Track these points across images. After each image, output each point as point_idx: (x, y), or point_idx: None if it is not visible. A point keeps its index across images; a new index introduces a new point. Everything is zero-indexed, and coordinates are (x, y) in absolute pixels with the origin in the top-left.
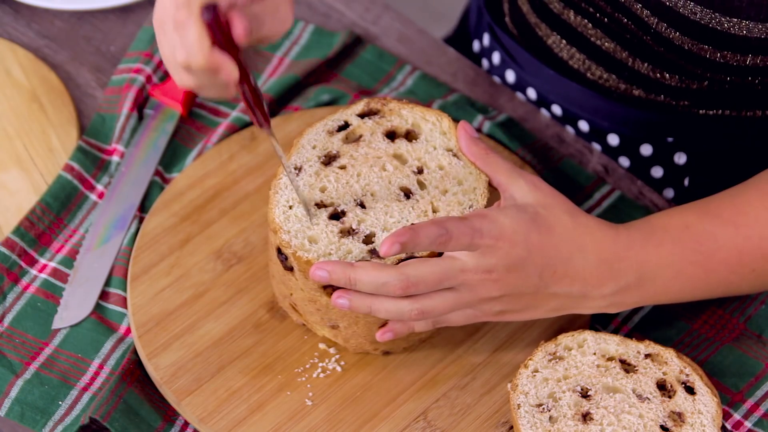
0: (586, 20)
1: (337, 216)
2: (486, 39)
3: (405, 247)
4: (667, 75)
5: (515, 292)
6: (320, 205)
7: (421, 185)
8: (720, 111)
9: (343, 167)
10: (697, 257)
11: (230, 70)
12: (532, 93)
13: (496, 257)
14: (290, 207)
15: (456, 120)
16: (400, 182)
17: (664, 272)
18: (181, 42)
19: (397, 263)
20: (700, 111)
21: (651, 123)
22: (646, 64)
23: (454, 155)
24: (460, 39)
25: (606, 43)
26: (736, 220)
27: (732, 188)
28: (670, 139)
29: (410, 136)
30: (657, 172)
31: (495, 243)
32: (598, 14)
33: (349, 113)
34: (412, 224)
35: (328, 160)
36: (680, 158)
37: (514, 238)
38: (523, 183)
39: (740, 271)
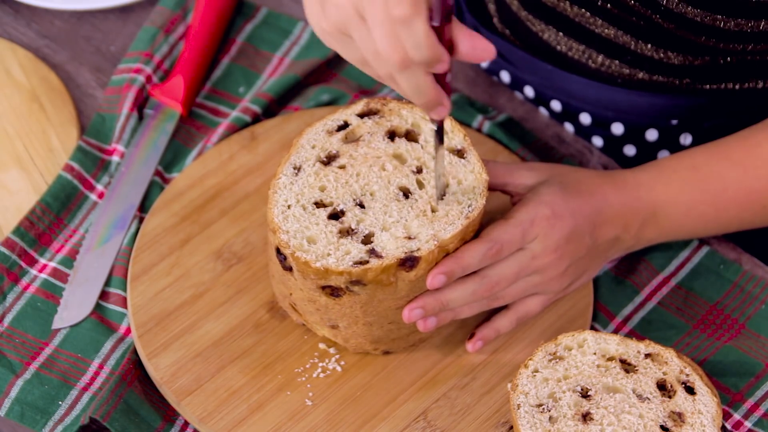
0: (583, 9)
1: (336, 216)
2: None
3: (451, 277)
4: (671, 54)
5: (575, 258)
6: (319, 205)
7: (420, 185)
8: (722, 85)
9: (342, 167)
10: (705, 197)
11: (447, 61)
12: (529, 91)
13: (555, 234)
14: (288, 207)
15: (456, 120)
16: (399, 182)
17: (675, 209)
18: (407, 35)
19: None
20: (704, 86)
21: (654, 106)
22: (649, 45)
23: (455, 154)
24: None
25: (606, 30)
26: (745, 161)
27: (744, 130)
28: (674, 122)
29: (410, 136)
30: (664, 156)
31: (548, 222)
32: (599, 1)
33: (349, 113)
34: (455, 252)
35: (328, 159)
36: (686, 139)
37: (560, 212)
38: (525, 170)
39: (751, 208)
